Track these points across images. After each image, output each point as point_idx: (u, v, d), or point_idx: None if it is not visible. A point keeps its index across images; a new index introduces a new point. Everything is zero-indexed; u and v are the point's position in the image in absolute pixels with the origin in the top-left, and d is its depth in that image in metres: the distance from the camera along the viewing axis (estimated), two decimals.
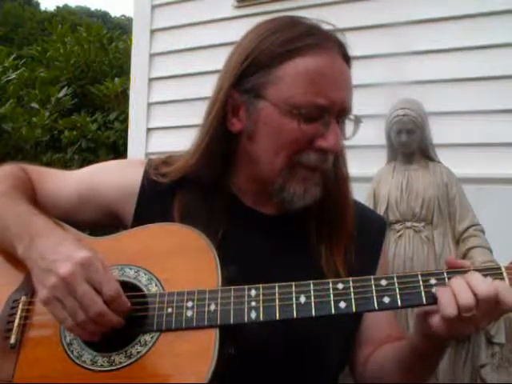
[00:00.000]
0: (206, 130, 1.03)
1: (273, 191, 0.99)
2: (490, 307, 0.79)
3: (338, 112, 0.96)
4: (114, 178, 1.10)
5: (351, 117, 1.00)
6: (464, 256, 2.34)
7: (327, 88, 0.94)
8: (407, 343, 0.93)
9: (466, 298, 0.79)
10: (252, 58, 0.97)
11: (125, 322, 0.88)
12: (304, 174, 0.98)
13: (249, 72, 0.97)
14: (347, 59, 0.99)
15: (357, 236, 1.04)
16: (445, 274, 0.84)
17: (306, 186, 0.98)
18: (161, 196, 1.05)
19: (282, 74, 0.95)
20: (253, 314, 0.85)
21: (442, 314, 0.80)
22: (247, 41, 1.00)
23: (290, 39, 0.95)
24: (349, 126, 1.02)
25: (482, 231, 2.37)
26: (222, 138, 1.01)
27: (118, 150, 7.04)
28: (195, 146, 1.04)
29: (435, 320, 0.82)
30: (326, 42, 0.96)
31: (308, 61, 0.94)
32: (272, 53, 0.95)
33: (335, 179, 1.04)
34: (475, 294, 0.79)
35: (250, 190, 1.04)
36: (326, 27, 1.01)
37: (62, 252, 0.88)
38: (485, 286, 0.80)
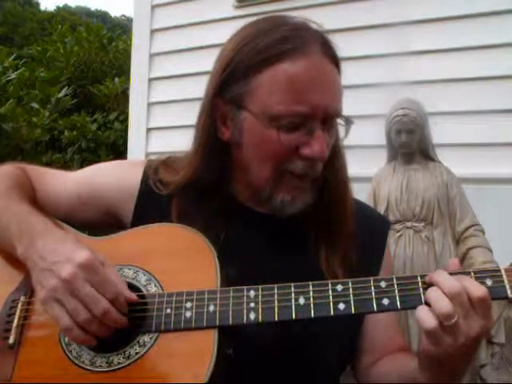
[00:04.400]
0: (198, 139, 1.02)
1: (263, 198, 0.99)
2: (466, 307, 0.78)
3: (323, 118, 0.93)
4: (114, 179, 1.09)
5: (340, 120, 0.97)
6: (464, 256, 2.35)
7: (308, 94, 0.90)
8: (414, 377, 0.89)
9: (445, 306, 0.77)
10: (232, 67, 0.95)
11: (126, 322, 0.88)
12: (292, 182, 0.96)
13: (229, 81, 0.95)
14: (335, 60, 0.96)
15: (359, 236, 1.03)
16: None
17: (294, 193, 0.97)
18: (160, 196, 1.05)
19: (260, 84, 0.92)
20: (252, 315, 0.85)
21: (423, 330, 0.79)
22: (229, 48, 0.98)
23: (268, 46, 0.92)
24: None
25: (482, 231, 2.37)
26: (215, 146, 1.00)
27: (118, 149, 7.05)
28: (191, 156, 1.03)
29: (422, 341, 0.81)
30: (307, 45, 0.92)
31: (285, 67, 0.91)
32: (249, 61, 0.93)
33: (334, 181, 1.02)
34: (450, 298, 0.78)
35: (246, 193, 1.04)
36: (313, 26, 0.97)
37: (62, 253, 0.87)
38: (453, 283, 0.79)
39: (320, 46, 0.93)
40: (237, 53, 0.95)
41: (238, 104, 0.95)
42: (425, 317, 0.79)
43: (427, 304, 0.80)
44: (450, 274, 0.82)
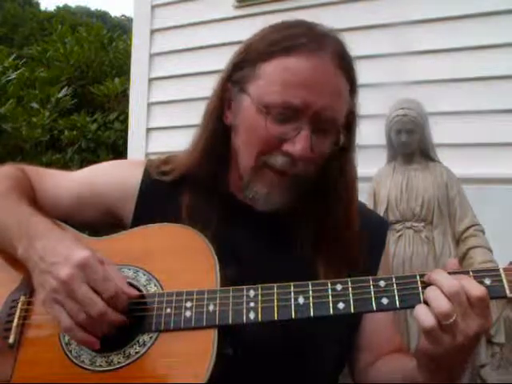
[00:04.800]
0: (205, 124, 1.04)
1: (242, 186, 1.00)
2: (464, 306, 0.78)
3: (314, 118, 0.93)
4: (114, 179, 1.10)
5: (337, 128, 0.96)
6: (464, 256, 2.35)
7: (303, 89, 0.91)
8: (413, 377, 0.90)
9: (443, 305, 0.78)
10: (244, 54, 0.99)
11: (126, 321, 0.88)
12: (271, 176, 0.96)
13: (240, 66, 0.99)
14: (345, 72, 0.96)
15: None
16: None
17: (270, 189, 0.97)
18: (161, 195, 1.05)
19: (263, 71, 0.95)
20: (251, 315, 0.85)
21: (422, 329, 0.79)
22: (248, 40, 1.01)
23: (282, 39, 0.95)
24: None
25: (482, 231, 2.37)
26: (220, 132, 1.02)
27: (117, 149, 7.04)
28: (195, 142, 1.05)
29: (421, 340, 0.81)
30: (318, 46, 0.93)
31: (290, 61, 0.93)
32: (261, 50, 0.96)
33: (343, 189, 1.02)
34: (449, 297, 0.78)
35: (241, 188, 1.04)
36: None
37: (61, 253, 0.87)
38: (451, 282, 0.79)
39: (333, 54, 0.94)
40: (253, 42, 0.99)
41: (241, 87, 0.98)
42: (423, 316, 0.79)
43: (426, 303, 0.80)
44: (449, 273, 0.82)
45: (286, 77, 0.92)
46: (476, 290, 0.78)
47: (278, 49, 0.94)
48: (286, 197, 0.98)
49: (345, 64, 0.96)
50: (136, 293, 0.89)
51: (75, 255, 0.86)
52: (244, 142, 0.98)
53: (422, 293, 0.82)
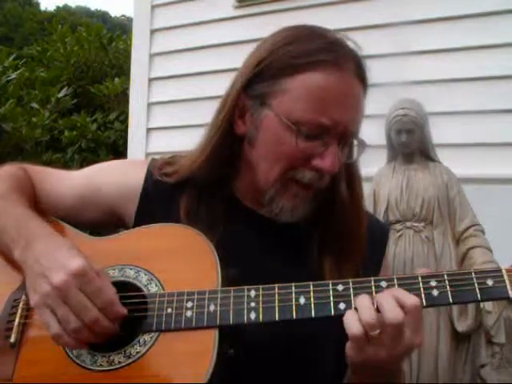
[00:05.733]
0: (214, 130, 1.02)
1: (264, 200, 0.99)
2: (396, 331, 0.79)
3: (341, 134, 0.94)
4: (116, 179, 1.09)
5: (355, 141, 0.98)
6: (464, 256, 2.35)
7: (332, 108, 0.92)
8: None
9: (369, 315, 0.79)
10: (264, 65, 0.96)
11: (124, 323, 0.88)
12: (296, 190, 0.97)
13: (259, 78, 0.97)
14: (364, 83, 0.97)
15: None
16: (445, 276, 0.83)
17: (295, 202, 0.98)
18: (164, 196, 1.05)
19: (289, 87, 0.93)
20: (252, 315, 0.85)
21: (349, 334, 0.81)
22: (265, 46, 0.99)
23: (305, 52, 0.93)
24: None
25: (482, 231, 2.37)
26: (229, 139, 1.01)
27: (118, 149, 7.05)
28: (203, 146, 1.04)
29: (347, 345, 0.83)
30: (342, 61, 0.93)
31: (317, 77, 0.92)
32: (284, 63, 0.94)
33: (350, 198, 1.03)
34: (378, 310, 0.79)
35: (249, 194, 1.04)
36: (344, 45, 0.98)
37: (57, 259, 0.87)
38: (389, 303, 0.80)
39: (354, 64, 0.95)
40: (271, 53, 0.96)
41: (263, 101, 0.96)
42: (352, 322, 0.80)
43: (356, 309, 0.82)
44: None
45: (315, 94, 0.92)
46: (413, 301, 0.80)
47: (300, 63, 0.93)
48: (307, 209, 0.99)
49: (363, 75, 0.97)
50: (125, 311, 0.88)
51: (72, 263, 0.85)
52: (267, 156, 0.97)
53: (424, 294, 0.82)
